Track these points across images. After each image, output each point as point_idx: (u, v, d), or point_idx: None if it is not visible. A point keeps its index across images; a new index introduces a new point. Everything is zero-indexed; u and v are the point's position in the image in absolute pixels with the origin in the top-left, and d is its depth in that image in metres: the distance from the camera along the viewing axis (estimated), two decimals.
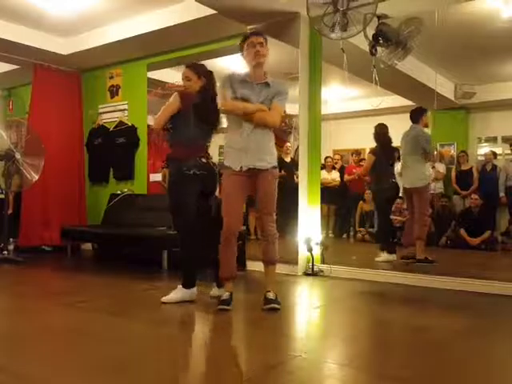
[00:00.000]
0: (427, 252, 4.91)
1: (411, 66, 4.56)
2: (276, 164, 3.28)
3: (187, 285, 3.39)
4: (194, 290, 3.41)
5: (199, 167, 3.35)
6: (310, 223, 4.72)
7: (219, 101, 3.27)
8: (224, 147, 3.33)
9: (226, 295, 3.25)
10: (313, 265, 4.58)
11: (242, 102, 3.19)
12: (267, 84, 3.23)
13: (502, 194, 6.78)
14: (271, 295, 3.21)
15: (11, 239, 5.62)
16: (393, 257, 5.16)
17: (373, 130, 5.43)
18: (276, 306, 3.15)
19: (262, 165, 3.20)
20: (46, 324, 2.95)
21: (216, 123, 3.50)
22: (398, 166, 5.46)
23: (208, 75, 3.48)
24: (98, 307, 3.36)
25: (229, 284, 3.31)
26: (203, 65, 3.56)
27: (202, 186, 3.39)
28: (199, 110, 3.37)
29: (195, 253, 3.42)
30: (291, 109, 4.92)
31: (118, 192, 6.33)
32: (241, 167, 3.19)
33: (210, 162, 3.45)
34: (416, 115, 5.12)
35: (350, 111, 7.33)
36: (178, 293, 3.38)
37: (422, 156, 5.03)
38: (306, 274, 4.59)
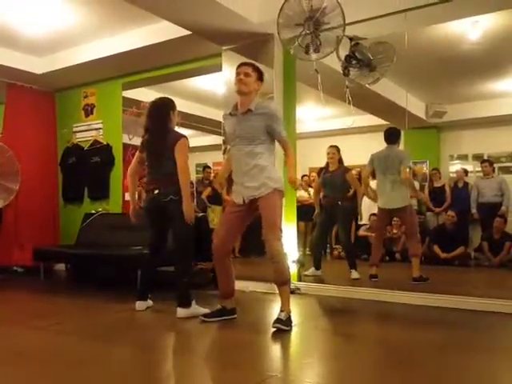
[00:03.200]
0: (401, 268, 4.96)
1: (383, 85, 4.67)
2: (277, 185, 3.31)
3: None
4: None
5: None
6: (287, 241, 4.72)
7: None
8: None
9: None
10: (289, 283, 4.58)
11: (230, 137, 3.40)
12: (250, 110, 3.29)
13: (473, 211, 6.92)
14: (282, 315, 3.22)
15: None
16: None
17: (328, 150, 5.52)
18: (281, 326, 3.15)
19: (260, 192, 3.28)
20: (16, 348, 2.86)
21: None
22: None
23: None
24: (72, 330, 3.29)
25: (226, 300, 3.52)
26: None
27: None
28: None
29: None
30: None
31: (93, 211, 6.25)
32: (243, 200, 3.34)
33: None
34: (395, 136, 5.13)
35: (325, 130, 7.43)
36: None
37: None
38: None
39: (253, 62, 3.60)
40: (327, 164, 5.56)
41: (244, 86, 3.29)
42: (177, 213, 3.59)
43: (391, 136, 5.14)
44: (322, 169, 5.67)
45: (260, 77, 3.38)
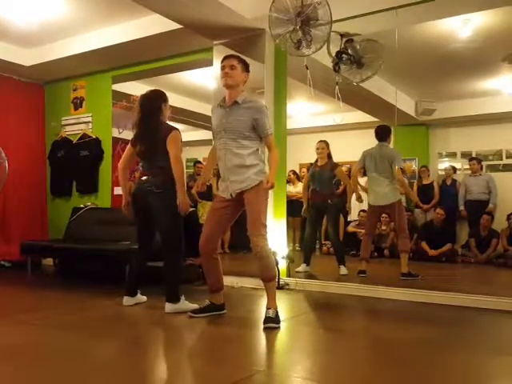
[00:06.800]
0: (390, 264, 4.99)
1: (372, 82, 4.67)
2: (263, 178, 3.23)
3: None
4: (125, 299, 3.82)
5: None
6: (276, 236, 4.73)
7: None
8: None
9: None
10: (279, 278, 4.59)
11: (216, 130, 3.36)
12: (237, 103, 3.26)
13: (461, 208, 6.98)
14: (270, 313, 3.21)
15: None
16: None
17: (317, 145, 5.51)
18: (273, 325, 3.14)
19: (246, 185, 3.23)
20: (2, 342, 2.84)
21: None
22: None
23: None
24: (59, 324, 3.27)
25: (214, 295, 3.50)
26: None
27: None
28: None
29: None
30: None
31: (82, 206, 6.21)
32: (230, 194, 3.30)
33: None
34: (386, 134, 5.16)
35: (315, 126, 7.44)
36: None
37: (392, 173, 5.05)
38: None
39: (237, 54, 3.56)
40: (317, 159, 5.57)
41: (230, 79, 3.25)
42: (158, 205, 3.57)
43: (383, 133, 5.16)
44: (312, 164, 5.68)
45: (246, 68, 3.33)
